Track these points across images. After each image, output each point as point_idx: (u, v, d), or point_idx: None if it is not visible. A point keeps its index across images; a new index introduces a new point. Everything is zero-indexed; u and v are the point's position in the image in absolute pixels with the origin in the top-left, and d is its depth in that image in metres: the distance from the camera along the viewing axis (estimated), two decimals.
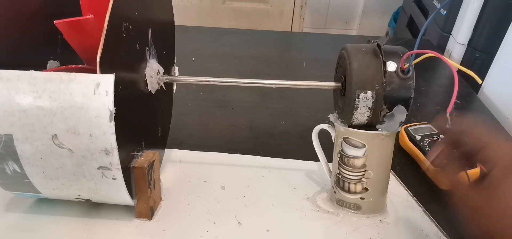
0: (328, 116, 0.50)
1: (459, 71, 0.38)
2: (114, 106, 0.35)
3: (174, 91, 0.60)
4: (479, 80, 0.37)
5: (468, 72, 0.37)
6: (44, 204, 0.47)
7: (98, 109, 0.35)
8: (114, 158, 0.37)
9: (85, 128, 0.35)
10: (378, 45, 0.44)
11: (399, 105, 0.43)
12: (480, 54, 0.88)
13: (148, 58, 0.47)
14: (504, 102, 0.73)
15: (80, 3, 0.44)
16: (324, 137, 0.52)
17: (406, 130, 0.60)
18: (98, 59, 0.34)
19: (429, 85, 0.82)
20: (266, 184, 0.53)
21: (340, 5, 2.02)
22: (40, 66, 0.47)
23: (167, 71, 0.53)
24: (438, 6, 1.07)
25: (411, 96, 0.43)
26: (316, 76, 0.86)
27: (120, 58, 0.39)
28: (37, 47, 0.46)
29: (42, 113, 0.35)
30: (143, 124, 0.48)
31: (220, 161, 0.58)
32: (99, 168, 0.38)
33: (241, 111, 0.71)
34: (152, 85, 0.48)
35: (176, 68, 0.60)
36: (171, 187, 0.51)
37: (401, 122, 0.44)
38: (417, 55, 0.41)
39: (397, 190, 0.53)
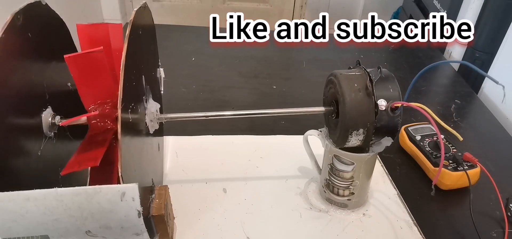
0: (320, 130, 0.54)
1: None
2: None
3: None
4: (460, 137, 0.42)
5: (450, 131, 0.41)
6: None
7: (127, 211, 0.38)
8: (144, 236, 0.41)
9: (116, 223, 0.39)
10: (371, 81, 0.46)
11: (386, 136, 0.49)
12: (480, 54, 0.87)
13: (145, 105, 0.47)
14: (504, 102, 0.75)
15: (71, 73, 0.42)
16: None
17: (406, 130, 0.62)
18: (119, 174, 0.36)
19: (429, 85, 0.83)
20: (262, 179, 0.60)
21: (340, 5, 1.96)
22: (35, 118, 0.46)
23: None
24: (438, 6, 1.02)
25: (398, 129, 0.48)
26: (316, 76, 0.87)
27: (132, 144, 0.40)
28: (27, 105, 0.45)
29: (73, 220, 0.38)
30: (150, 163, 0.50)
31: (214, 151, 0.64)
32: None
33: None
34: (153, 127, 0.49)
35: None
36: (176, 196, 0.56)
37: (387, 146, 0.50)
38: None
39: (377, 172, 0.61)
